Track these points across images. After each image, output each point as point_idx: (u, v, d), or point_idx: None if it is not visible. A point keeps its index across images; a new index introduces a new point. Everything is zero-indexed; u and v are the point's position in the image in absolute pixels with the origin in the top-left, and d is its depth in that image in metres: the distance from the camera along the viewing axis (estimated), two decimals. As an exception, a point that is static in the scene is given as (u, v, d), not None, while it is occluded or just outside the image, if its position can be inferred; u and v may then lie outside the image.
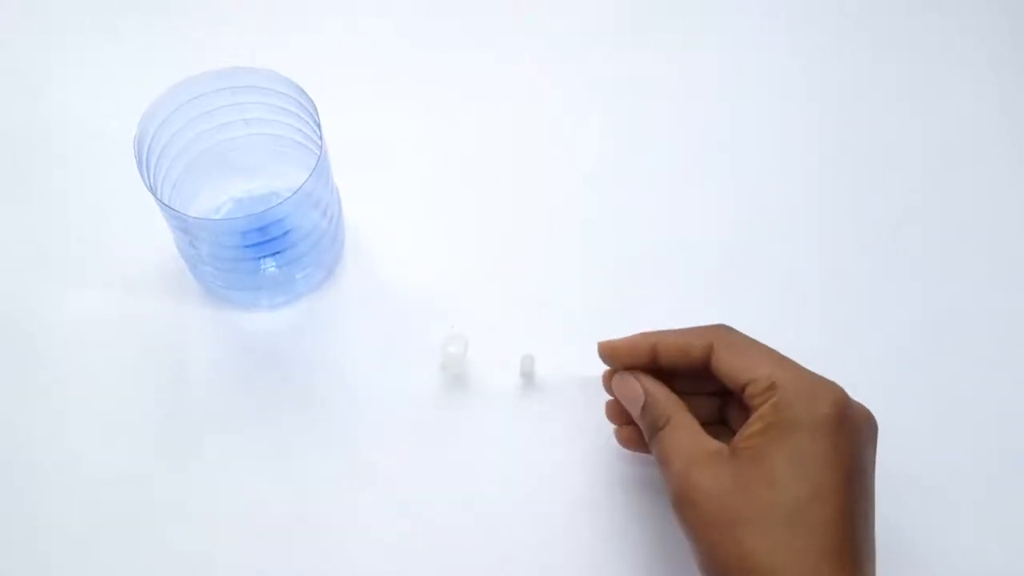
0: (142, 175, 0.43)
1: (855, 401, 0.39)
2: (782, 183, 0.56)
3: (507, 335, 0.49)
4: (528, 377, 0.48)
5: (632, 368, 0.44)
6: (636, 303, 0.51)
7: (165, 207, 0.43)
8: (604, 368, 0.45)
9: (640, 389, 0.43)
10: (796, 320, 0.50)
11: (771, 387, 0.38)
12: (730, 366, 0.40)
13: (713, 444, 0.39)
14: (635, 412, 0.43)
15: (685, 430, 0.40)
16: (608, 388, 0.45)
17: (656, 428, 0.41)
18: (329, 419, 0.48)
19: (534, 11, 0.62)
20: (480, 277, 0.52)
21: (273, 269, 0.49)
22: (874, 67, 0.60)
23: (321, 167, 0.44)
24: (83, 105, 0.57)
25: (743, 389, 0.39)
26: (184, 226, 0.45)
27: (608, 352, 0.44)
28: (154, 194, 0.43)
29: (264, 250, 0.47)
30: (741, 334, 0.42)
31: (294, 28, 0.61)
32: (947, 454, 0.47)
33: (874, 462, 0.39)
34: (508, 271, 0.52)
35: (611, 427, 0.47)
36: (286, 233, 0.46)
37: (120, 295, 0.51)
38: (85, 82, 0.58)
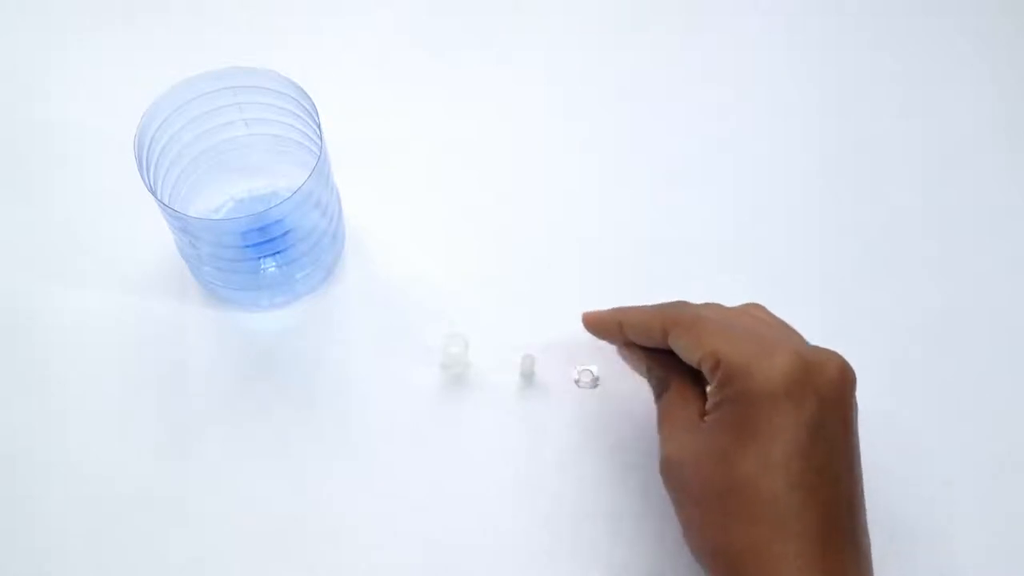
0: (142, 175, 0.43)
1: (816, 356, 0.37)
2: (782, 182, 0.56)
3: (507, 335, 0.49)
4: (528, 377, 0.48)
5: (608, 337, 0.45)
6: (637, 302, 0.51)
7: (165, 207, 0.43)
8: (603, 369, 0.45)
9: (641, 359, 0.43)
10: (797, 320, 0.50)
11: (716, 364, 0.37)
12: (682, 346, 0.39)
13: (693, 416, 0.39)
14: (644, 376, 0.43)
15: (678, 397, 0.40)
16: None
17: (657, 393, 0.41)
18: (329, 419, 0.48)
19: (534, 11, 0.62)
20: (480, 277, 0.52)
21: (273, 269, 0.49)
22: (874, 66, 0.60)
23: (321, 167, 0.44)
24: (83, 105, 0.57)
25: (699, 368, 0.39)
26: (184, 226, 0.45)
27: (588, 324, 0.45)
28: (154, 194, 0.43)
29: (264, 250, 0.47)
30: (693, 308, 0.41)
31: (294, 28, 0.61)
32: (949, 451, 0.47)
33: (844, 419, 0.37)
34: (508, 271, 0.52)
35: (611, 427, 0.47)
36: (286, 233, 0.46)
37: (120, 295, 0.51)
38: (85, 82, 0.58)
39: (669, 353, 0.41)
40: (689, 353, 0.39)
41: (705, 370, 0.38)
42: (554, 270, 0.52)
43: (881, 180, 0.56)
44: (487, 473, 0.47)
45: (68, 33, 0.60)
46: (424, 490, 0.46)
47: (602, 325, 0.45)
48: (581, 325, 0.46)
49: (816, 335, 0.50)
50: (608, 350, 0.47)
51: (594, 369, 0.48)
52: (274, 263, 0.49)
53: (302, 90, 0.44)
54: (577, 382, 0.48)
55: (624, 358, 0.45)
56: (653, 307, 0.42)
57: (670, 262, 0.52)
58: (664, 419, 0.40)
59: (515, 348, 0.48)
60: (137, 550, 0.45)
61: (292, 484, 0.46)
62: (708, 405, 0.38)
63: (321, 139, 0.44)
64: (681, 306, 0.41)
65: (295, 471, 0.47)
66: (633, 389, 0.47)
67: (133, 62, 0.58)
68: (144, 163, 0.43)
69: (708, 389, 0.38)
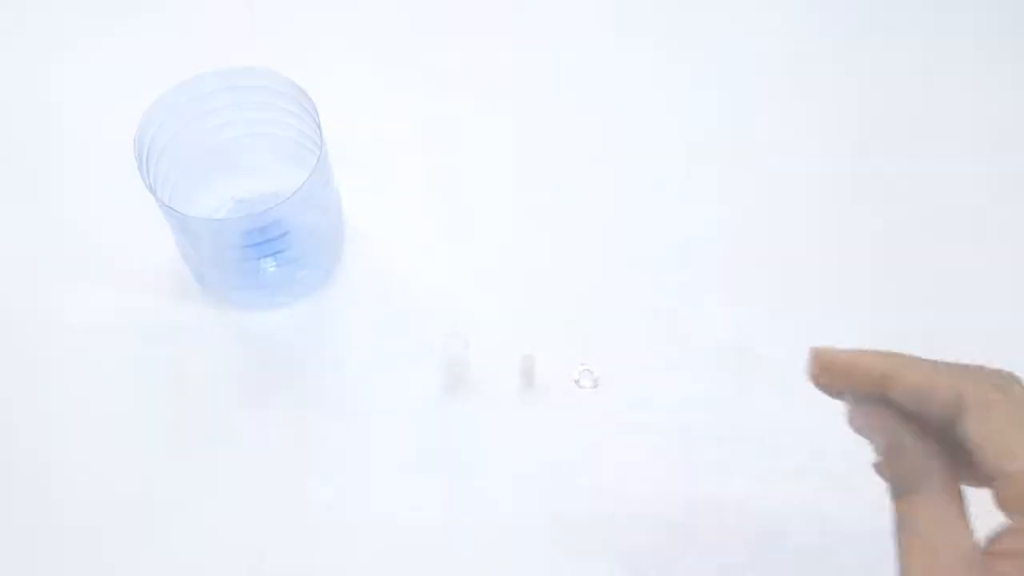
0: (142, 175, 0.43)
1: None
2: (783, 182, 0.55)
3: (507, 335, 0.49)
4: (528, 377, 0.48)
5: (849, 390, 0.33)
6: (637, 303, 0.51)
7: (165, 207, 0.43)
8: (603, 369, 0.45)
9: (890, 429, 0.31)
10: (797, 321, 0.50)
11: None
12: (981, 440, 0.29)
13: (965, 543, 0.29)
14: (879, 453, 0.32)
15: (934, 510, 0.30)
16: (851, 412, 0.33)
17: (900, 490, 0.31)
18: (329, 419, 0.48)
19: (535, 10, 0.62)
20: (480, 277, 0.52)
21: (273, 269, 0.49)
22: (874, 65, 0.60)
23: (321, 167, 0.44)
24: (83, 105, 0.57)
25: (996, 480, 0.29)
26: (184, 226, 0.45)
27: (822, 364, 0.33)
28: (154, 194, 0.43)
29: (264, 250, 0.47)
30: (1016, 390, 0.30)
31: (294, 28, 0.61)
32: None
33: None
34: (508, 271, 0.52)
35: (607, 428, 0.47)
36: (286, 233, 0.46)
37: (120, 295, 0.51)
38: (85, 82, 0.58)
39: (932, 430, 0.31)
40: (987, 456, 0.29)
41: (1007, 494, 0.29)
42: (554, 270, 0.52)
43: (882, 179, 0.56)
44: (487, 473, 0.47)
45: (68, 33, 0.60)
46: (424, 490, 0.46)
47: (848, 369, 0.32)
48: (581, 325, 0.46)
49: (817, 337, 0.50)
50: (607, 349, 0.47)
51: (594, 369, 0.48)
52: (274, 263, 0.49)
53: (302, 90, 0.44)
54: (577, 382, 0.48)
55: (861, 418, 0.33)
56: (942, 366, 0.31)
57: (671, 262, 0.52)
58: (912, 538, 0.29)
59: (515, 348, 0.48)
60: (136, 550, 0.45)
61: (292, 484, 0.46)
62: (1006, 546, 0.28)
63: (321, 139, 0.44)
64: (986, 377, 0.31)
65: (295, 471, 0.47)
66: (633, 390, 0.47)
67: (133, 62, 0.58)
68: (144, 163, 0.43)
69: (1016, 525, 0.28)
